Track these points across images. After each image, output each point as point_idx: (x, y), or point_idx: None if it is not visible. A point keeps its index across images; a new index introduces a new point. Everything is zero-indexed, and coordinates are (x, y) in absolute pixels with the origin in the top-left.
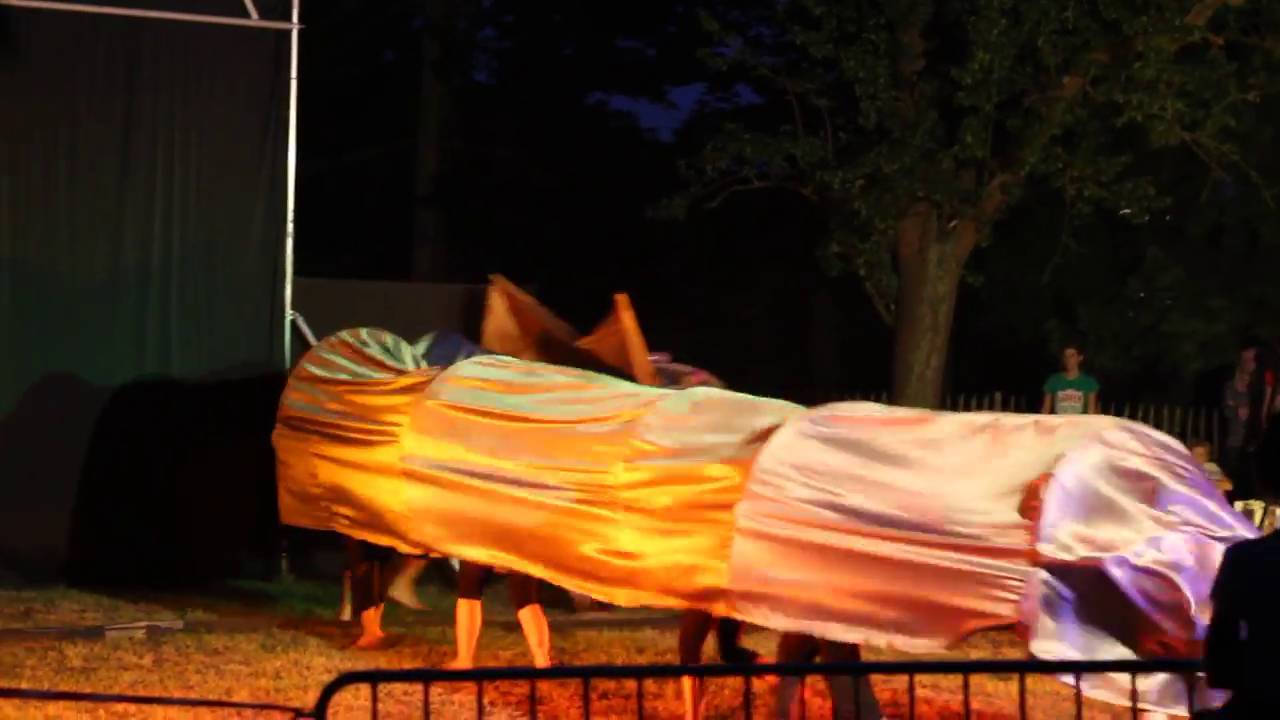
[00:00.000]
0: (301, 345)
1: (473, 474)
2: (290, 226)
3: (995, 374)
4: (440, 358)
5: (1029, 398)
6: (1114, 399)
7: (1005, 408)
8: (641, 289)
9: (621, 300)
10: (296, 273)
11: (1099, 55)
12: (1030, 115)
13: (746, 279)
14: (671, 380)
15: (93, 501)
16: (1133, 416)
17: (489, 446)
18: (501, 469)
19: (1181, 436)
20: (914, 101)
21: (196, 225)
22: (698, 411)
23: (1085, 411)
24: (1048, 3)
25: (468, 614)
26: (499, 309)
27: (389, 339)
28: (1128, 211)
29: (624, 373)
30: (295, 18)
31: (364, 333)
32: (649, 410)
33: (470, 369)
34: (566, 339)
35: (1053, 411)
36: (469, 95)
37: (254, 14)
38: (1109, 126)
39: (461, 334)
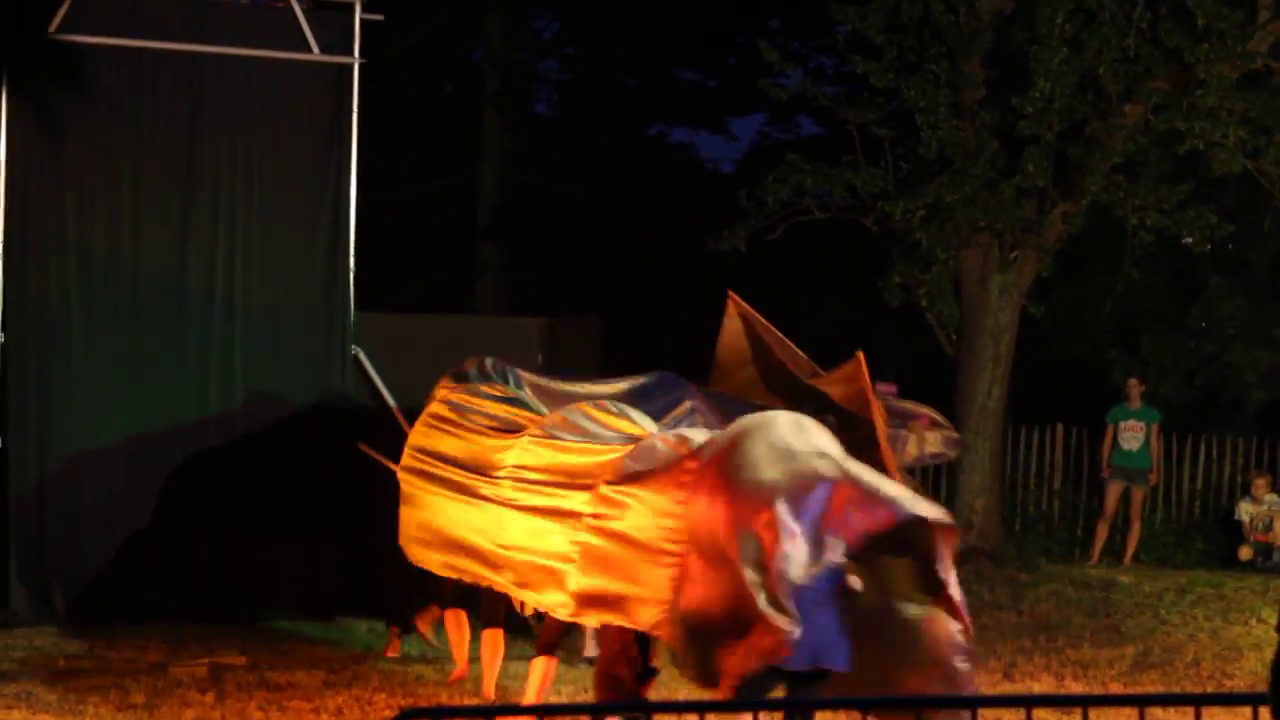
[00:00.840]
0: (364, 380)
1: None
2: (352, 261)
3: (1058, 404)
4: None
5: (1091, 428)
6: (1176, 429)
7: (1067, 438)
8: (703, 321)
9: (859, 357)
10: (358, 307)
11: (1160, 83)
12: (1092, 144)
13: (808, 310)
14: (900, 420)
15: (157, 536)
16: (1194, 447)
17: None
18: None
19: (1244, 467)
20: (975, 131)
21: (259, 261)
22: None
23: (1148, 442)
24: (1109, 31)
25: (491, 643)
26: (733, 328)
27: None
28: (1190, 240)
29: (851, 419)
30: (356, 52)
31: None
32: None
33: None
34: (798, 372)
35: (1115, 442)
36: (529, 127)
37: (315, 48)
38: (1171, 154)
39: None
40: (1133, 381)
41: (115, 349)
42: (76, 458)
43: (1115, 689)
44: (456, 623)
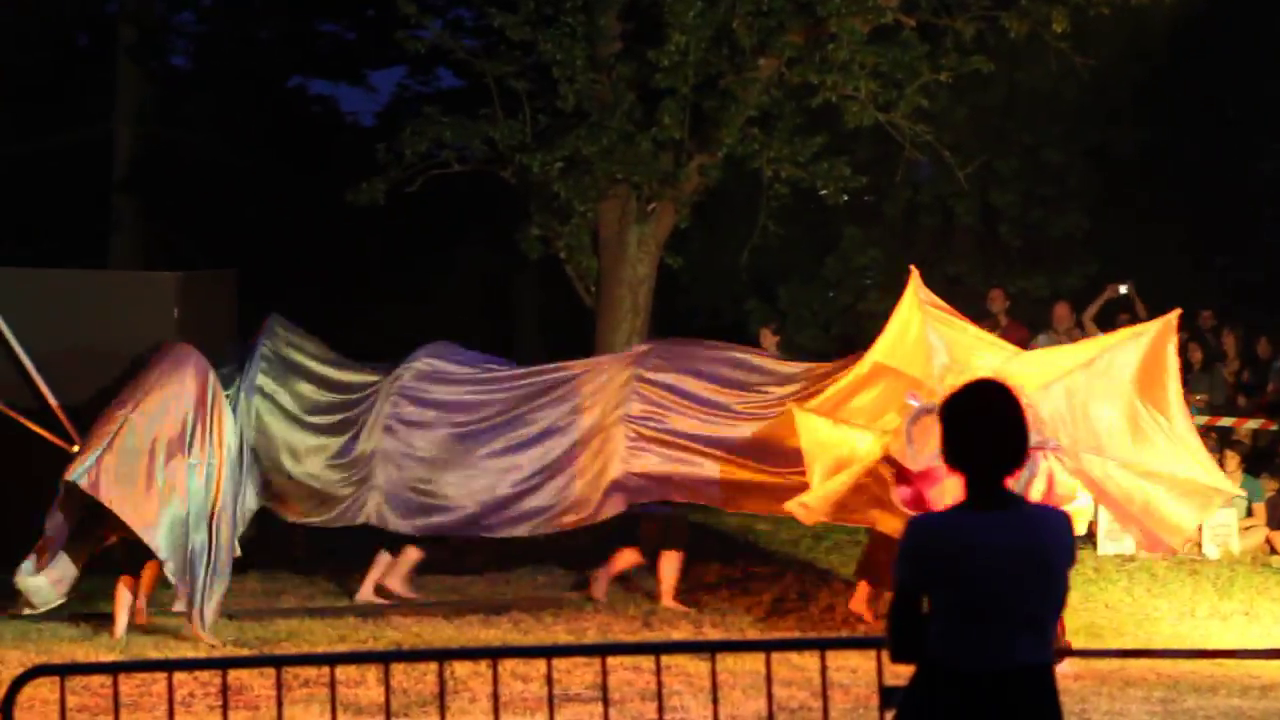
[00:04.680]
0: None
1: None
2: None
3: None
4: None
5: None
6: None
7: None
8: (343, 274)
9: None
10: None
11: (794, 37)
12: (727, 97)
13: (449, 262)
14: None
15: None
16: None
17: None
18: None
19: None
20: (612, 84)
21: None
22: None
23: None
24: None
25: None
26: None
27: None
28: (824, 192)
29: None
30: None
31: None
32: None
33: None
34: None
35: None
36: (166, 80)
37: None
38: (805, 108)
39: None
40: (764, 331)
41: None
42: None
43: (751, 635)
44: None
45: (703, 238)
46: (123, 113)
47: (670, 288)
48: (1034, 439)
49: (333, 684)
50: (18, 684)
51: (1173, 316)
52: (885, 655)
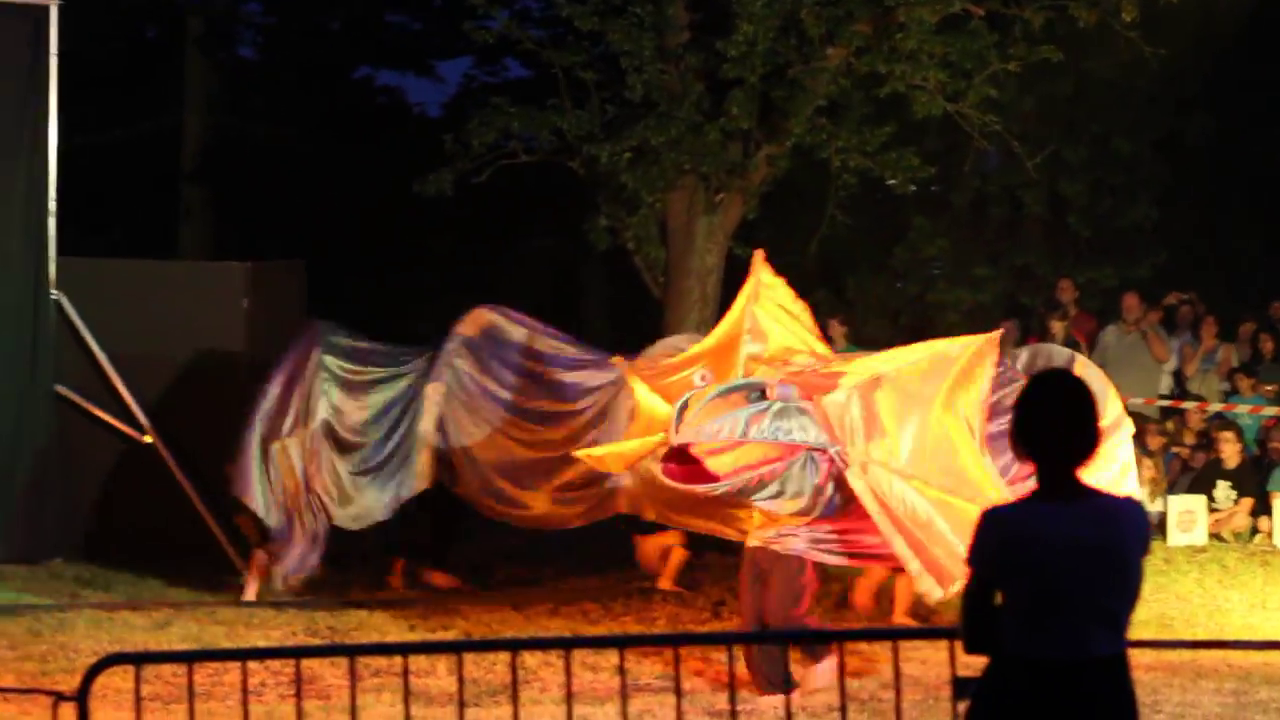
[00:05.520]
0: (66, 326)
1: None
2: (53, 205)
3: None
4: None
5: None
6: None
7: None
8: (410, 265)
9: None
10: (60, 252)
11: (862, 26)
12: (795, 86)
13: (518, 253)
14: None
15: None
16: None
17: None
18: None
19: None
20: (680, 74)
21: None
22: None
23: None
24: None
25: None
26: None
27: None
28: (892, 182)
29: None
30: None
31: None
32: None
33: None
34: None
35: None
36: (234, 71)
37: None
38: (873, 97)
39: None
40: (833, 322)
41: None
42: None
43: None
44: None
45: (771, 228)
46: (191, 104)
47: (738, 278)
48: (821, 443)
49: (405, 673)
50: (93, 672)
51: (995, 335)
52: (957, 646)
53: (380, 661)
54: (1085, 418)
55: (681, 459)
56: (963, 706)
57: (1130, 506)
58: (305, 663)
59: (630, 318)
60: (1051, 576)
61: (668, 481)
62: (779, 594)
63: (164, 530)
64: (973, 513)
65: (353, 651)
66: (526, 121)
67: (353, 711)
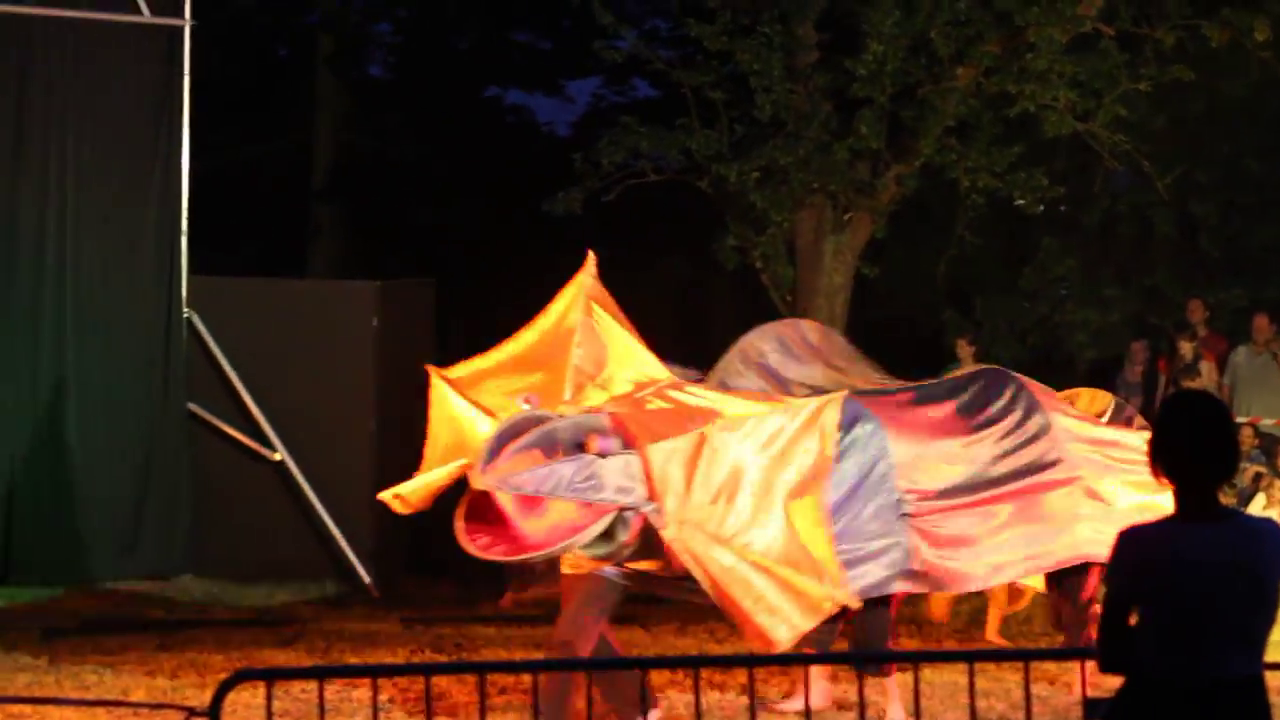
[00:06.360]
0: (198, 345)
1: None
2: (185, 225)
3: (892, 365)
4: None
5: None
6: None
7: None
8: (539, 284)
9: None
10: (191, 271)
11: (991, 46)
12: (924, 106)
13: (646, 272)
14: None
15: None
16: None
17: None
18: None
19: None
20: (808, 93)
21: (90, 225)
22: None
23: None
24: None
25: None
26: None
27: None
28: (1021, 202)
29: None
30: (188, 14)
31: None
32: None
33: None
34: None
35: None
36: (364, 90)
37: (146, 11)
38: (1002, 117)
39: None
40: (961, 342)
41: None
42: None
43: (949, 645)
44: None
45: (899, 247)
46: (322, 123)
47: (866, 298)
48: (636, 503)
49: (534, 691)
50: (225, 687)
51: (837, 395)
52: (1089, 667)
53: (507, 679)
54: (1226, 439)
55: (484, 513)
56: None
57: (1269, 527)
58: (433, 680)
59: None
60: (1191, 597)
61: (469, 549)
62: (571, 614)
63: (292, 547)
64: (799, 582)
65: (482, 669)
66: (655, 141)
67: None
